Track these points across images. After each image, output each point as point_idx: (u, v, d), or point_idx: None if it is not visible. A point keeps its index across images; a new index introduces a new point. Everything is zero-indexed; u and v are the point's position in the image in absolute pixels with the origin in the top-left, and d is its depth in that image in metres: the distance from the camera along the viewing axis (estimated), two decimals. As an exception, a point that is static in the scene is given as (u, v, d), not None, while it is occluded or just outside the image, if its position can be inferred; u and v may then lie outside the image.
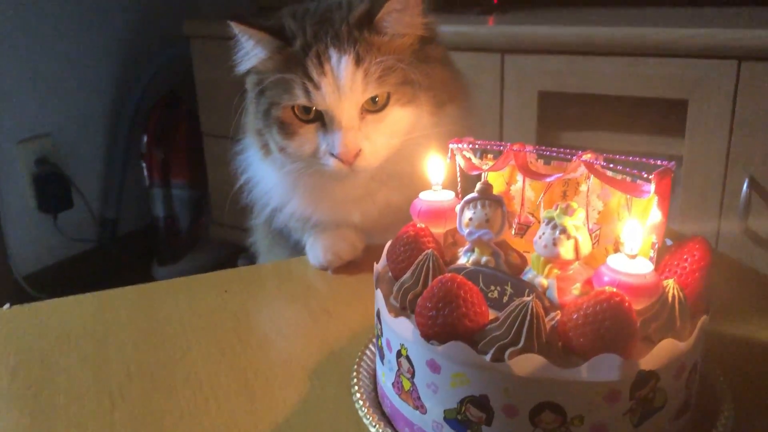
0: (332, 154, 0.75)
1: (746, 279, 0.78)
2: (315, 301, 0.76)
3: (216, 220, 2.27)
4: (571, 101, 1.56)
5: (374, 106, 0.75)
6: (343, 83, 0.73)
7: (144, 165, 2.28)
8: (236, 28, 0.76)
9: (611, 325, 0.43)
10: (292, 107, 0.76)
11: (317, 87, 0.73)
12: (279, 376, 0.62)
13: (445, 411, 0.47)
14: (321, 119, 0.76)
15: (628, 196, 0.51)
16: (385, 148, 0.76)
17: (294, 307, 0.76)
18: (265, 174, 0.86)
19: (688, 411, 0.49)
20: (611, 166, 0.51)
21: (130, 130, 2.29)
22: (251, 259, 1.11)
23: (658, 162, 0.49)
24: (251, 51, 0.78)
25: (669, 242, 0.55)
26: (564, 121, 1.58)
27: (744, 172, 1.35)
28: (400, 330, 0.49)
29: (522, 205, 0.59)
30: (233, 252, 2.12)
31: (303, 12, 0.80)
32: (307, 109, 0.76)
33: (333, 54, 0.73)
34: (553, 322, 0.47)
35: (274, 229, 0.94)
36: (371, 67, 0.73)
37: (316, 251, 0.83)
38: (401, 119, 0.77)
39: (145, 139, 2.26)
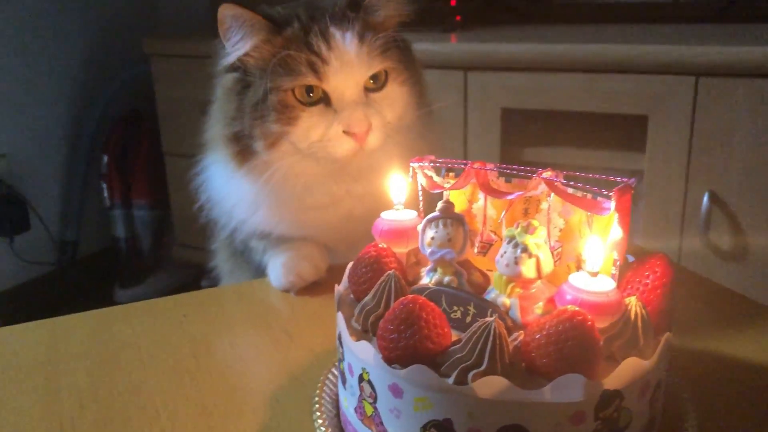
0: (345, 132, 0.74)
1: (708, 292, 0.79)
2: (277, 324, 0.75)
3: (179, 241, 2.23)
4: (534, 117, 1.57)
5: (375, 85, 0.77)
6: (351, 57, 0.73)
7: (104, 185, 2.24)
8: (231, 10, 0.73)
9: (574, 344, 0.43)
10: (293, 90, 0.74)
11: (326, 62, 0.73)
12: (239, 403, 0.60)
13: (408, 436, 0.46)
14: (325, 100, 0.75)
15: (589, 213, 0.51)
16: (389, 125, 0.77)
17: (255, 331, 0.74)
18: (231, 188, 0.84)
19: (654, 429, 0.49)
20: (571, 183, 0.51)
21: (89, 150, 2.25)
22: (215, 281, 1.09)
23: (618, 179, 0.49)
24: (243, 38, 0.75)
25: (631, 258, 0.54)
26: (527, 138, 1.59)
27: (704, 186, 1.38)
28: (362, 354, 0.48)
29: (484, 223, 0.58)
30: (197, 273, 2.09)
31: (285, 6, 0.80)
32: (308, 91, 0.74)
33: (336, 32, 0.74)
34: (516, 343, 0.46)
35: (235, 249, 0.92)
36: (373, 42, 0.75)
37: (277, 273, 0.81)
38: (399, 97, 0.78)
39: (106, 159, 2.22)
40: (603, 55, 1.41)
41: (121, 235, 2.27)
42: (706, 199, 1.37)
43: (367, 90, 0.76)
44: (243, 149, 0.78)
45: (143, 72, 2.13)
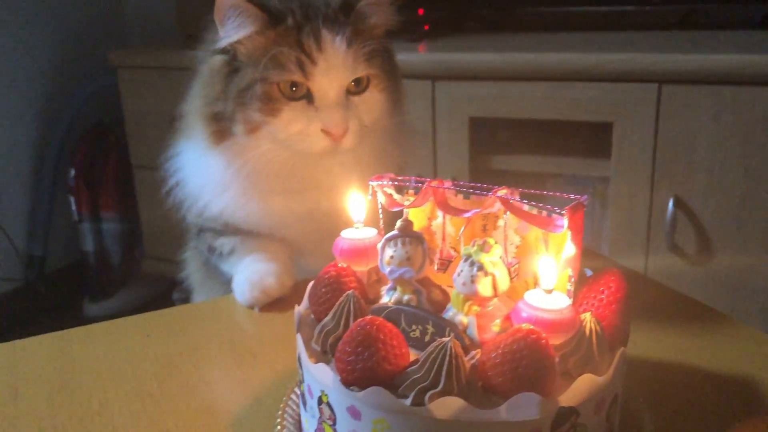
0: (323, 131, 0.76)
1: (668, 301, 0.80)
2: (241, 342, 0.74)
3: (149, 254, 2.21)
4: (502, 126, 1.58)
5: (357, 88, 0.79)
6: (338, 61, 0.76)
7: (72, 199, 2.21)
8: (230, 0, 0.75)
9: (529, 363, 0.43)
10: (278, 84, 0.76)
11: (314, 63, 0.75)
12: (201, 424, 0.60)
13: (368, 458, 0.46)
14: (307, 97, 0.77)
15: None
16: (364, 128, 0.79)
17: (219, 350, 0.73)
18: (202, 166, 0.84)
19: (612, 443, 0.49)
20: (525, 201, 0.51)
21: (56, 163, 2.21)
22: (186, 293, 1.08)
23: (572, 196, 0.49)
24: (238, 26, 0.77)
25: (589, 273, 0.55)
26: (495, 146, 1.60)
27: (669, 191, 1.40)
28: (321, 376, 0.48)
29: (443, 239, 0.59)
30: (167, 286, 2.07)
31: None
32: (293, 86, 0.76)
33: (327, 34, 0.76)
34: (473, 361, 0.46)
35: (204, 258, 0.92)
36: (360, 48, 0.77)
37: (242, 288, 0.81)
38: (377, 103, 0.80)
39: (73, 172, 2.19)
40: (568, 64, 1.43)
41: (90, 248, 2.24)
42: (671, 204, 1.39)
43: (348, 92, 0.78)
44: (221, 129, 0.80)
45: (110, 84, 2.11)
